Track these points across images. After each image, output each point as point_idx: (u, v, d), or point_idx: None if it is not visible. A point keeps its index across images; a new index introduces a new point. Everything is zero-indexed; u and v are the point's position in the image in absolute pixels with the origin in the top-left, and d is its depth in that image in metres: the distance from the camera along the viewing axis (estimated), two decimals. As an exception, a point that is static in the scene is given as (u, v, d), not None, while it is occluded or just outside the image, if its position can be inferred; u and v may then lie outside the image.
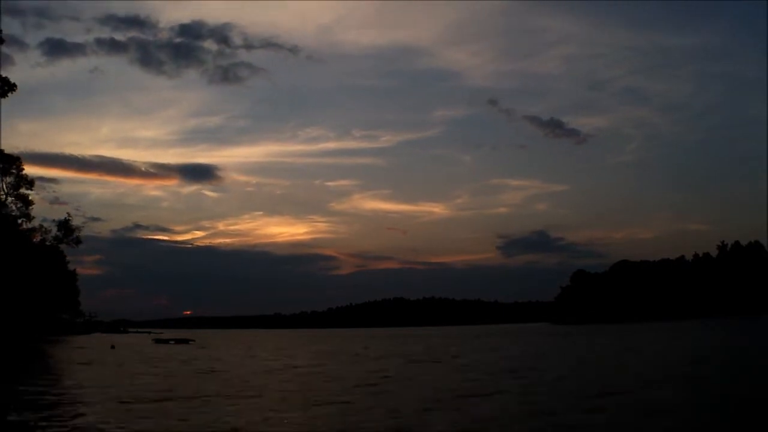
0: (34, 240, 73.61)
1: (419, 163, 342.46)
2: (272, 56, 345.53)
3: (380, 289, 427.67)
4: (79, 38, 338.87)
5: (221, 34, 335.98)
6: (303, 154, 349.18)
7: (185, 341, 79.57)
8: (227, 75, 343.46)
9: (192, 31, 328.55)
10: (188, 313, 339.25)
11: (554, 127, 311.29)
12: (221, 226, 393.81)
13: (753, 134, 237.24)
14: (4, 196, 64.69)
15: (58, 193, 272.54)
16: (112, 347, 63.72)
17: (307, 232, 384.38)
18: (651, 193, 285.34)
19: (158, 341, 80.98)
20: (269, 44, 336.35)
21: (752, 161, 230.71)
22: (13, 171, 64.08)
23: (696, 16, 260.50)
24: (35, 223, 73.90)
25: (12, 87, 46.94)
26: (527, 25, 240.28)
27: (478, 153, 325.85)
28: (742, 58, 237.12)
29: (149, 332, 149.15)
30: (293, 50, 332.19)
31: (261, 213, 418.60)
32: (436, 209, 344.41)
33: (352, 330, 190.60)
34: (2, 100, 48.42)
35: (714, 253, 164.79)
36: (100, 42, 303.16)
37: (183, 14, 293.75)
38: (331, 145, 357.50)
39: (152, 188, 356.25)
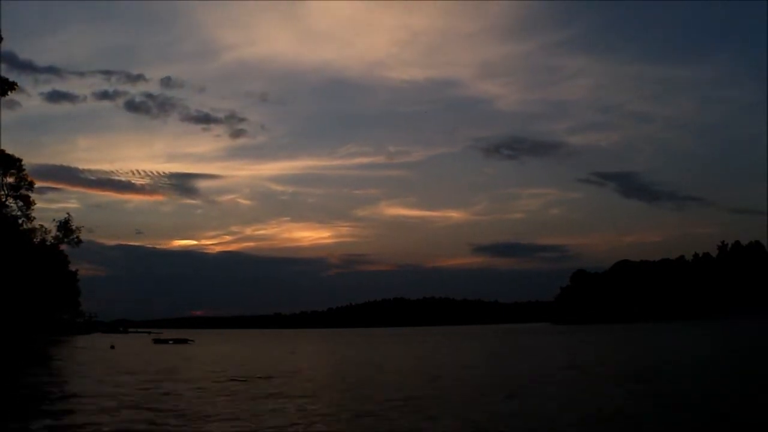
0: (34, 240, 73.79)
1: (444, 174, 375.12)
2: (325, 84, 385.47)
3: (382, 289, 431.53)
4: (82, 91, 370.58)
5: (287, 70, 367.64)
6: (339, 167, 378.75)
7: (184, 341, 79.76)
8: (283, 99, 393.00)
9: (255, 67, 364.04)
10: (198, 313, 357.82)
11: (567, 145, 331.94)
12: (248, 231, 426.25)
13: (752, 149, 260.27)
14: (5, 197, 64.80)
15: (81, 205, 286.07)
16: (112, 347, 63.76)
17: (330, 236, 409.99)
18: (658, 200, 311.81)
19: (157, 341, 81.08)
20: (325, 74, 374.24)
21: (751, 172, 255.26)
22: (14, 172, 64.20)
23: (698, 49, 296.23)
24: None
25: (12, 86, 46.96)
26: (548, 62, 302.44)
27: (499, 165, 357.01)
28: (741, 85, 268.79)
29: (149, 332, 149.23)
30: (345, 82, 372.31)
31: (288, 219, 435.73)
32: (455, 214, 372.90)
33: (352, 330, 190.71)
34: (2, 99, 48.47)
35: (714, 253, 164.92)
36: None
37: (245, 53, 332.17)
38: (365, 159, 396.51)
39: (186, 198, 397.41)
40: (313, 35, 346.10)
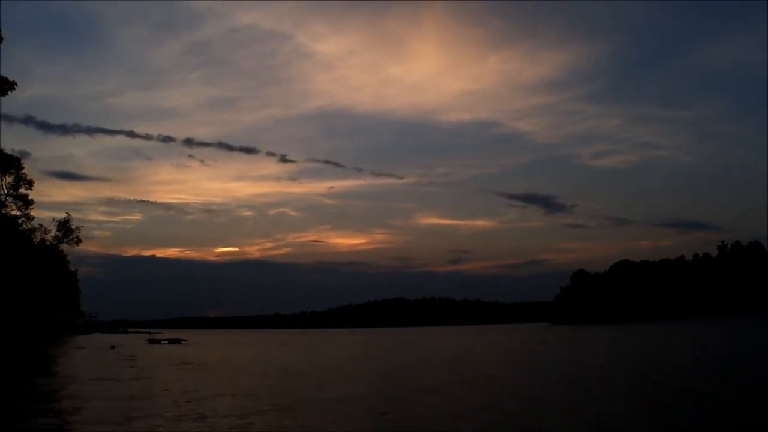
0: (34, 240, 73.53)
1: (477, 191, 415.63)
2: (388, 124, 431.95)
3: (382, 289, 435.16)
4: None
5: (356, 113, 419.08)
6: (387, 185, 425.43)
7: (178, 341, 79.86)
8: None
9: (337, 111, 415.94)
10: (213, 314, 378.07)
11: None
12: (289, 238, 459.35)
13: (752, 174, 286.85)
14: (4, 197, 64.55)
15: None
16: (112, 347, 63.64)
17: (366, 243, 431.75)
18: (666, 208, 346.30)
19: (151, 341, 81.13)
20: (391, 117, 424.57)
21: (750, 186, 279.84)
22: (13, 171, 63.93)
23: (698, 90, 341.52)
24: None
25: (12, 86, 46.66)
26: (569, 108, 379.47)
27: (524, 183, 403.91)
28: (740, 120, 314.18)
29: (149, 332, 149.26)
30: (406, 122, 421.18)
31: (328, 227, 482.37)
32: (480, 223, 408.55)
33: (351, 330, 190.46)
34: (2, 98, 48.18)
35: (714, 253, 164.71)
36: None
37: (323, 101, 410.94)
38: (412, 179, 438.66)
39: (245, 210, 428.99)
40: (389, 89, 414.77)
